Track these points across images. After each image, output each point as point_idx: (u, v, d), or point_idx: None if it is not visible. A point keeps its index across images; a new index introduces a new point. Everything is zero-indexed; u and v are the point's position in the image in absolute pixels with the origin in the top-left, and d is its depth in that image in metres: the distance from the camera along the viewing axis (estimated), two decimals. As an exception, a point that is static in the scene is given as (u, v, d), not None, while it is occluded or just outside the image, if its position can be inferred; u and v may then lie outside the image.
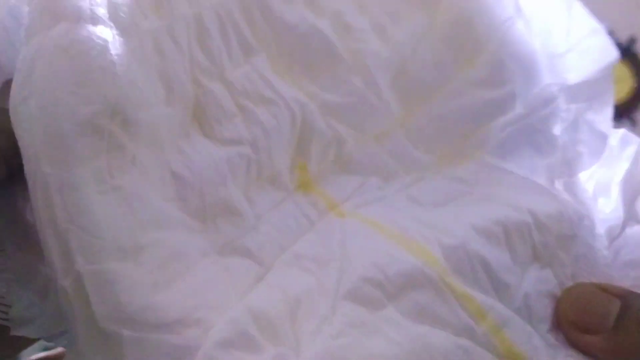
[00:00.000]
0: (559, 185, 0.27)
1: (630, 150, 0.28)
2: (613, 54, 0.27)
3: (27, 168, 0.20)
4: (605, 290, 0.24)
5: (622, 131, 0.29)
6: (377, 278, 0.22)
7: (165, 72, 0.22)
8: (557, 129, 0.26)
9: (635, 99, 2.62)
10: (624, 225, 0.26)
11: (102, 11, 0.20)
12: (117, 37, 0.20)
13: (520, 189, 0.25)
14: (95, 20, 0.20)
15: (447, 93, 0.25)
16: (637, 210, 0.27)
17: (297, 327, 0.22)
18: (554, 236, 0.25)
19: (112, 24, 0.21)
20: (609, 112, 0.27)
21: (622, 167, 0.27)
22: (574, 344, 0.24)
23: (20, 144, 0.20)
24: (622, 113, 2.60)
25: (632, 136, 0.29)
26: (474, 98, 0.25)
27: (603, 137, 0.27)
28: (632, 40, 2.45)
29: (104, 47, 0.20)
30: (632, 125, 2.54)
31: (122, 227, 0.20)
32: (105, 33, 0.20)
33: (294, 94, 0.24)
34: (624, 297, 0.23)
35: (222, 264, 0.22)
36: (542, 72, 0.26)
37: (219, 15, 0.23)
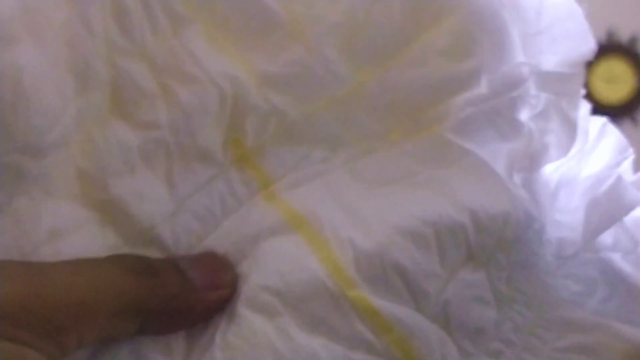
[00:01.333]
0: (517, 179, 0.24)
1: (607, 144, 0.26)
2: (590, 43, 0.25)
3: None
4: None
5: (602, 120, 0.28)
6: (277, 287, 0.22)
7: (76, 62, 0.21)
8: (523, 115, 0.24)
9: (637, 99, 2.61)
10: (577, 252, 0.25)
11: (15, 25, 0.20)
12: (29, 48, 0.20)
13: (472, 175, 0.24)
14: (10, 39, 0.20)
15: (404, 61, 0.23)
16: (596, 241, 0.25)
17: (193, 340, 0.22)
18: (495, 239, 0.24)
19: (25, 34, 0.20)
20: (580, 102, 0.26)
21: (593, 163, 0.26)
22: None
23: None
24: (624, 113, 2.60)
25: (612, 129, 0.27)
26: (434, 69, 0.23)
27: (573, 128, 0.25)
28: (633, 40, 2.44)
29: (17, 78, 0.20)
30: (634, 125, 2.53)
31: (13, 249, 0.20)
32: (19, 52, 0.20)
33: (224, 69, 0.23)
34: None
35: None
36: (513, 49, 0.24)
37: None
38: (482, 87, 0.23)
